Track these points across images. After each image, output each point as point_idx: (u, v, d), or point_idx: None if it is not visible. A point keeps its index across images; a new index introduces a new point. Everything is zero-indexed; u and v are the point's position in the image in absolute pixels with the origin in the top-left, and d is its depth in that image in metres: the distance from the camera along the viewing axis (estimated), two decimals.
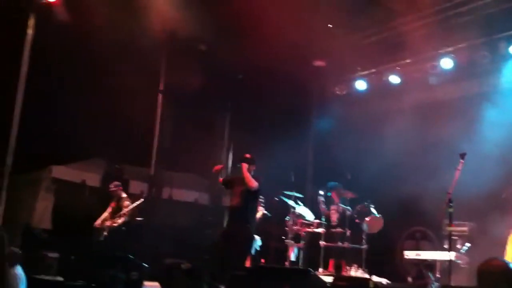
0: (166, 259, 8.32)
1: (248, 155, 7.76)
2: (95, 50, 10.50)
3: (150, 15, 10.30)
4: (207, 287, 5.92)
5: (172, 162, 11.71)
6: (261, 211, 9.69)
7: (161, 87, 11.84)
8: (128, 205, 9.31)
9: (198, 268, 4.82)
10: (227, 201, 12.88)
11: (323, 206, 9.64)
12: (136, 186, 11.42)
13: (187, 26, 10.31)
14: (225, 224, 7.81)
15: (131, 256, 8.06)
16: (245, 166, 7.59)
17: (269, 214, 9.86)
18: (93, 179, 11.43)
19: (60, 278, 8.11)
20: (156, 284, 7.59)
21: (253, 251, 8.73)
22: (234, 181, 7.91)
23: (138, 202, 9.38)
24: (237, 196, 7.67)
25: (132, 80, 10.89)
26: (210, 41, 11.50)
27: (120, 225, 9.25)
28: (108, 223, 9.39)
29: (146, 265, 8.22)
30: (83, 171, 11.62)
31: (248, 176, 7.54)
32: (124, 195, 9.60)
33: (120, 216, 9.27)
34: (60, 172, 11.47)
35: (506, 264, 3.15)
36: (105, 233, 9.31)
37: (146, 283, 7.98)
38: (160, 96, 11.86)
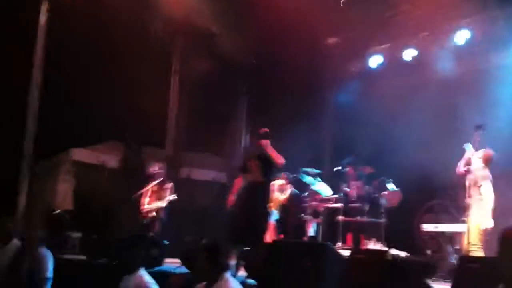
0: (186, 236, 8.47)
1: (265, 129, 7.45)
2: (112, 34, 10.58)
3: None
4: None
5: (189, 142, 11.78)
6: (290, 189, 9.74)
7: (177, 68, 11.85)
8: (172, 187, 9.30)
9: (218, 243, 4.83)
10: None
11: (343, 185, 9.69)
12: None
13: (200, 9, 10.31)
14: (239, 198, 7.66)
15: (151, 234, 8.19)
16: (266, 143, 7.29)
17: (297, 191, 9.89)
18: (112, 161, 11.58)
19: (83, 257, 8.30)
20: (177, 260, 7.71)
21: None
22: (249, 159, 7.66)
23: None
24: (254, 171, 7.45)
25: (148, 61, 10.99)
26: (223, 23, 11.47)
27: (166, 206, 9.24)
28: (154, 205, 9.28)
29: (167, 242, 8.35)
30: (102, 153, 11.76)
31: (273, 153, 7.24)
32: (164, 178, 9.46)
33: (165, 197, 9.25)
34: (80, 154, 11.65)
35: None
36: (154, 214, 9.20)
37: (167, 260, 8.13)
38: (176, 77, 11.88)
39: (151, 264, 7.25)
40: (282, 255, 6.54)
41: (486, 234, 6.93)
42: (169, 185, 9.36)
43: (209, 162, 12.81)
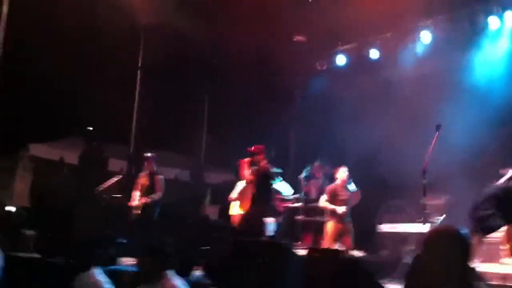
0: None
1: (250, 149, 8.04)
2: (74, 28, 10.39)
3: None
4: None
5: (151, 139, 11.61)
6: None
7: (140, 64, 11.67)
8: (162, 179, 9.09)
9: (160, 243, 4.83)
10: (207, 177, 12.96)
11: (303, 184, 9.68)
12: (116, 164, 11.35)
13: (167, 6, 10.18)
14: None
15: (108, 232, 8.06)
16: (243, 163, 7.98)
17: None
18: (71, 157, 11.34)
19: (37, 255, 8.10)
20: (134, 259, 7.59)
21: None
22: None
23: (116, 179, 9.33)
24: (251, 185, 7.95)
25: (110, 57, 10.81)
26: (189, 20, 11.35)
27: (156, 200, 9.07)
28: (143, 200, 9.06)
29: (124, 241, 8.22)
30: (61, 149, 11.54)
31: (243, 175, 7.98)
32: (155, 168, 9.24)
33: (156, 191, 9.07)
34: (38, 150, 11.42)
35: (456, 231, 3.02)
36: (138, 211, 9.03)
37: (124, 259, 8.00)
38: (139, 74, 11.71)
39: (108, 263, 7.13)
40: (241, 254, 6.52)
41: None
42: (159, 177, 9.16)
43: (172, 160, 12.69)
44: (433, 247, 2.99)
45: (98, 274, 5.27)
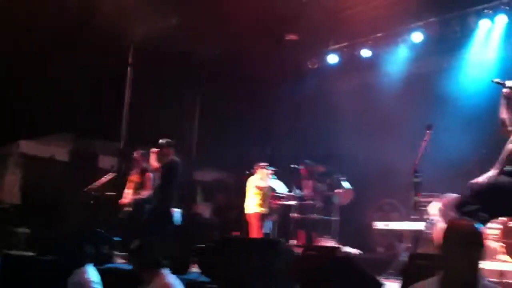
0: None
1: (161, 141, 8.20)
2: (63, 20, 10.29)
3: None
4: None
5: (142, 136, 11.53)
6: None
7: (130, 61, 11.59)
8: (152, 176, 8.80)
9: (145, 244, 4.82)
10: (198, 175, 12.95)
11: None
12: (106, 161, 11.27)
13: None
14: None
15: (101, 230, 8.01)
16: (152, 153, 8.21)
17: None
18: (61, 154, 11.25)
19: (30, 253, 8.03)
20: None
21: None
22: None
23: (108, 177, 9.26)
24: None
25: (100, 53, 10.72)
26: (182, 15, 11.31)
27: (145, 198, 8.77)
28: (133, 197, 8.85)
29: (117, 239, 8.18)
30: (51, 146, 11.43)
31: (152, 164, 8.24)
32: (146, 165, 8.89)
33: (145, 189, 8.81)
34: (29, 147, 11.30)
35: (472, 225, 2.98)
36: (129, 209, 8.82)
37: (118, 257, 7.96)
38: (129, 70, 11.62)
39: (101, 260, 7.09)
40: (236, 251, 6.51)
41: None
42: (150, 175, 8.91)
43: None
44: (454, 243, 2.88)
45: (90, 272, 5.24)
